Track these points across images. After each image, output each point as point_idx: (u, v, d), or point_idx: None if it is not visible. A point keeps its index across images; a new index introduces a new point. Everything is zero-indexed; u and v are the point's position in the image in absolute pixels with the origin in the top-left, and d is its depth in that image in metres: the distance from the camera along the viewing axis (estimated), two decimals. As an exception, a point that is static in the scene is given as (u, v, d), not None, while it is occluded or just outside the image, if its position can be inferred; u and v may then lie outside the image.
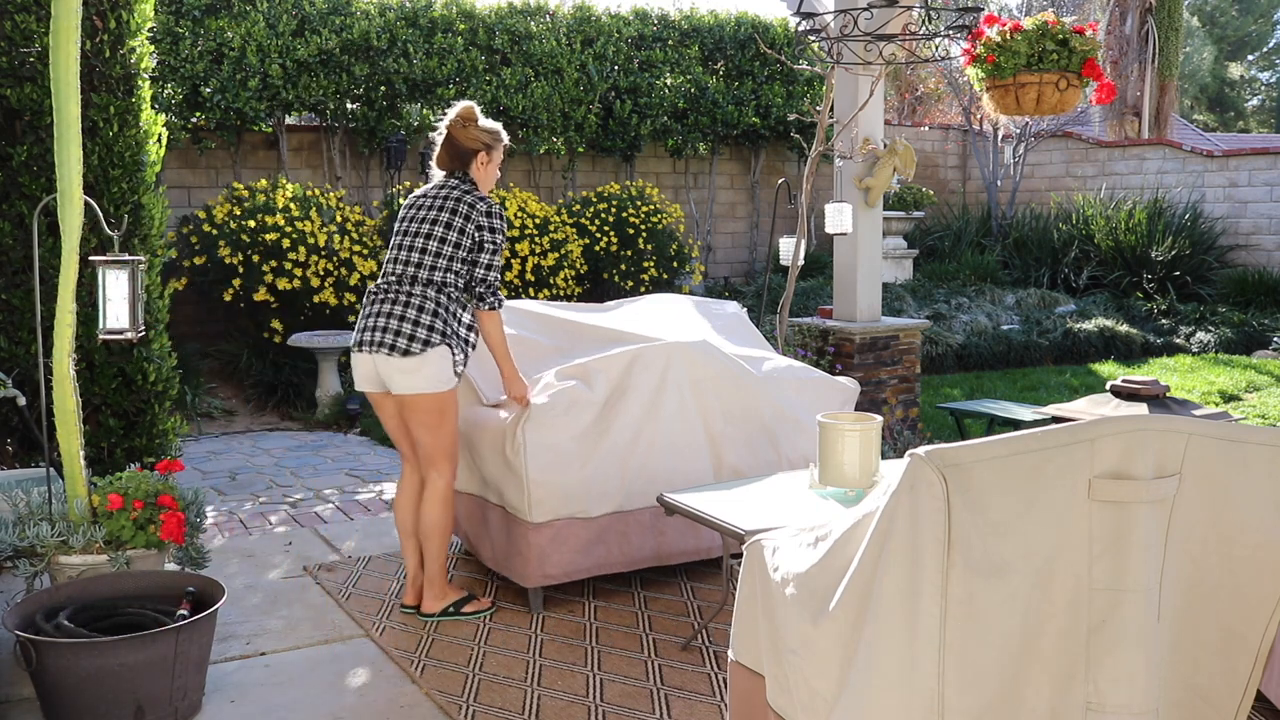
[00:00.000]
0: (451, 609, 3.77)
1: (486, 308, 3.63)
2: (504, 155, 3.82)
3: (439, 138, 3.76)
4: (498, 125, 3.79)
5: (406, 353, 3.51)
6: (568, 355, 4.14)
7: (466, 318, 3.68)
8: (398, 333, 3.53)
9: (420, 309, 3.55)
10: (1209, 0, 31.71)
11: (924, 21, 5.16)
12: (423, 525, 3.73)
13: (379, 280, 3.71)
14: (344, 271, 8.01)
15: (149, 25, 4.73)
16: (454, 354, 3.60)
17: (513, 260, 8.75)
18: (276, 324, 7.82)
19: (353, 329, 7.92)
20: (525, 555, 3.75)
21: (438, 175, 3.78)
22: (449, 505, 3.72)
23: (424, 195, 3.74)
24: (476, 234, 3.62)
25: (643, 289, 9.58)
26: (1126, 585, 1.84)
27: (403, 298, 3.57)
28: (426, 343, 3.51)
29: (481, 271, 3.62)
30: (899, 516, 1.80)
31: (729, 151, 12.18)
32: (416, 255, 3.62)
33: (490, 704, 3.11)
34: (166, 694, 2.91)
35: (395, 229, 3.75)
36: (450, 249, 3.60)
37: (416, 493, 3.78)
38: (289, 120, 9.56)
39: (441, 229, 3.61)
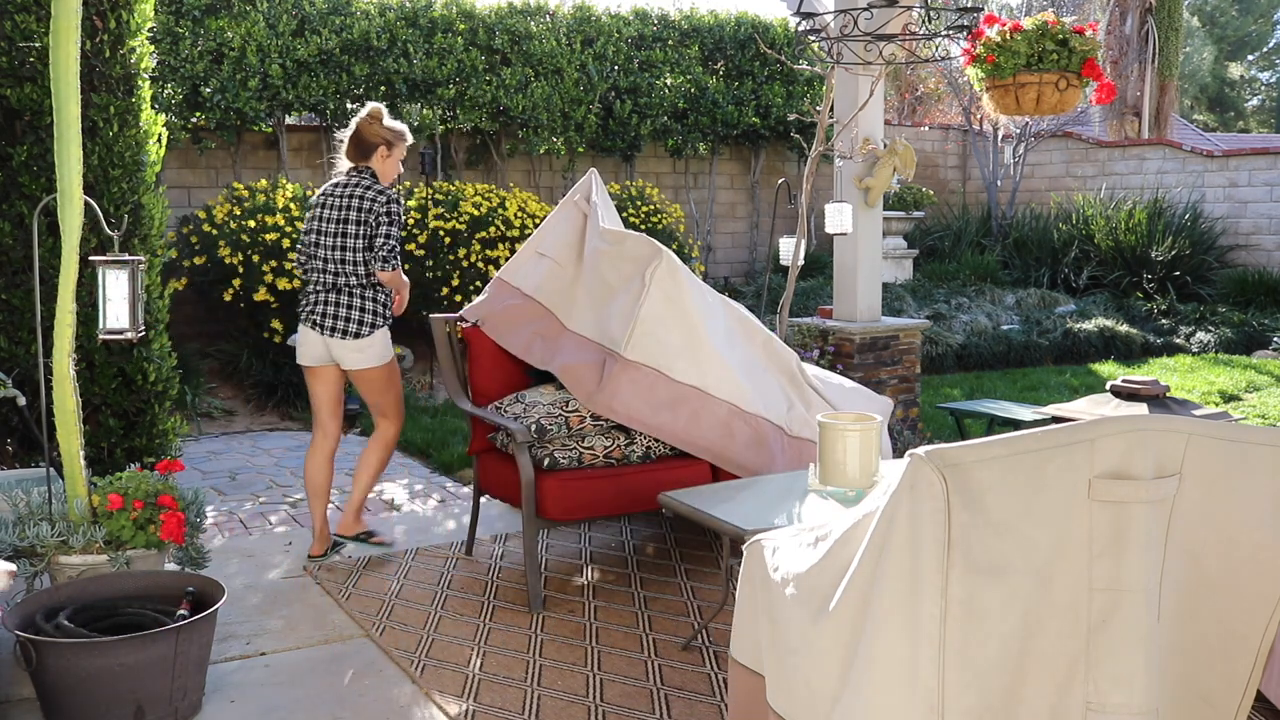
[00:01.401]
0: (363, 536, 4.42)
1: (390, 268, 4.12)
2: (406, 153, 4.29)
3: (347, 133, 4.25)
4: (403, 126, 4.30)
5: (358, 335, 4.17)
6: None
7: (383, 297, 4.25)
8: (347, 319, 4.17)
9: (363, 305, 4.17)
10: (1209, 0, 31.71)
11: (924, 21, 5.15)
12: (362, 462, 4.37)
13: (317, 275, 4.20)
14: (344, 271, 8.01)
15: (149, 25, 4.73)
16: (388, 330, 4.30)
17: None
18: (276, 324, 7.82)
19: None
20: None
21: (343, 166, 4.26)
22: (389, 450, 4.41)
23: (331, 193, 4.20)
24: (376, 222, 4.11)
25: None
26: (1126, 585, 1.84)
27: (345, 297, 4.17)
28: (373, 326, 4.19)
29: (380, 240, 4.10)
30: (899, 516, 1.80)
31: (729, 151, 12.18)
32: (341, 257, 4.15)
33: (490, 704, 3.11)
34: (166, 694, 2.91)
35: (310, 214, 4.25)
36: (364, 247, 4.14)
37: (328, 457, 4.35)
38: (289, 120, 9.55)
39: (353, 228, 4.14)
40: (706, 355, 4.05)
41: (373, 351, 4.21)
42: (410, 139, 4.31)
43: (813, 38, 5.17)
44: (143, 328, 3.43)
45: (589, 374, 3.99)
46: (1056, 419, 4.81)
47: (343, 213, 4.13)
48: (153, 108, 5.09)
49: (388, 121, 4.23)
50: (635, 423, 3.98)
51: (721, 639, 3.49)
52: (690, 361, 4.01)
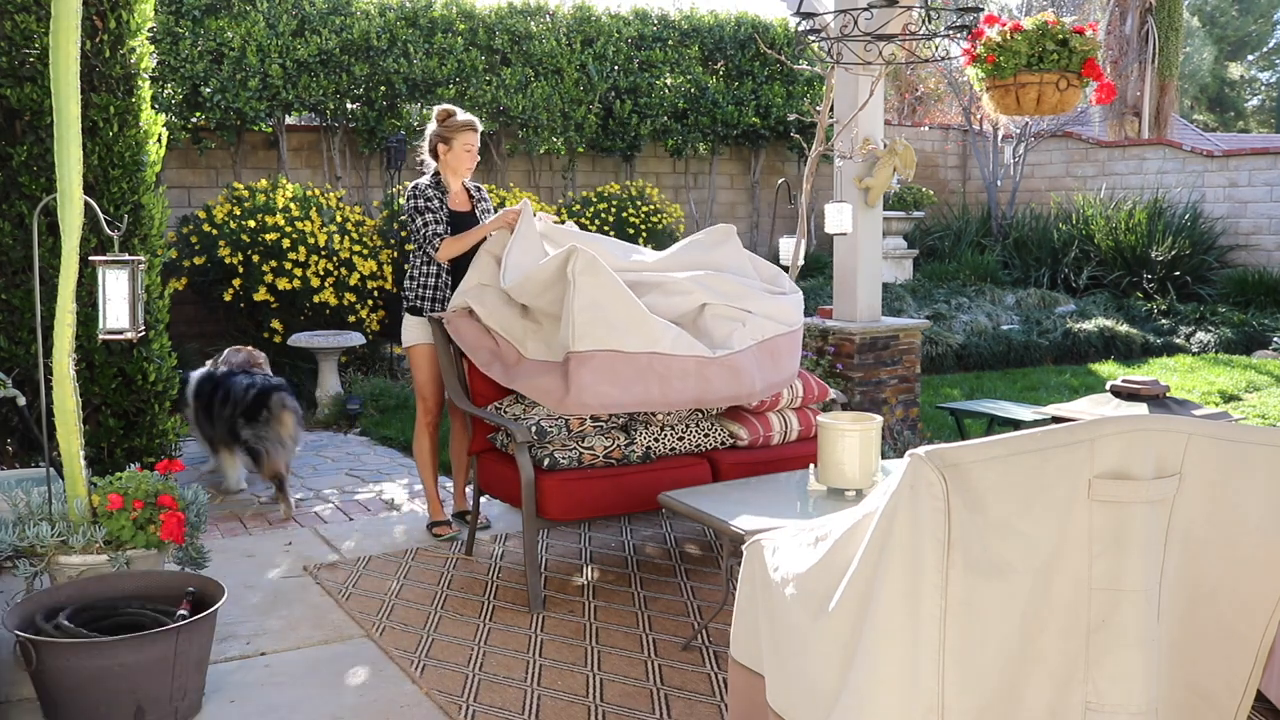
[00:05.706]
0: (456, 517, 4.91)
1: (433, 250, 4.66)
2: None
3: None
4: (459, 119, 5.02)
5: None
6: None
7: (415, 286, 4.76)
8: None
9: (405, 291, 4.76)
10: (1209, 0, 31.71)
11: (924, 21, 5.15)
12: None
13: None
14: (344, 271, 8.01)
15: (149, 25, 4.73)
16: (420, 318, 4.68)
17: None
18: (276, 324, 7.82)
19: (353, 329, 7.97)
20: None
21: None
22: (418, 439, 4.82)
23: None
24: (408, 218, 4.77)
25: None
26: (1126, 585, 1.84)
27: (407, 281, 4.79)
28: (409, 311, 4.74)
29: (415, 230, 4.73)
30: (899, 516, 1.80)
31: (729, 151, 12.18)
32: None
33: (490, 704, 3.11)
34: (166, 694, 2.91)
35: None
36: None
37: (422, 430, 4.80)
38: (289, 120, 9.55)
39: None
40: (650, 324, 4.05)
41: (405, 334, 4.78)
42: (469, 124, 4.97)
43: (813, 38, 5.17)
44: (143, 328, 3.43)
45: (554, 384, 3.97)
46: (1056, 419, 4.80)
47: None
48: (153, 108, 5.09)
49: (444, 121, 4.97)
50: (613, 407, 3.96)
51: (721, 639, 3.49)
52: (638, 334, 3.99)
